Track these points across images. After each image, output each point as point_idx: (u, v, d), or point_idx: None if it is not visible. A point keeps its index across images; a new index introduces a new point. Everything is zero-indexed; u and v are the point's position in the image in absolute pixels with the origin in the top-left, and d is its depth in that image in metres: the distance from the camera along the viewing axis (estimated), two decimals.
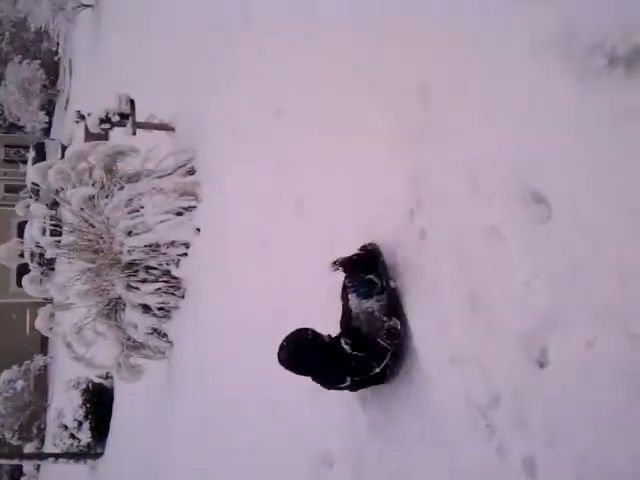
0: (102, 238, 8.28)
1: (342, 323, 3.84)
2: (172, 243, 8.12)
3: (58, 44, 29.38)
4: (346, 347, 3.52)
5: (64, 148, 20.97)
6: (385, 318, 3.58)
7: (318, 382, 3.71)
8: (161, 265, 8.19)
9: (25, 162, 25.52)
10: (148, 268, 8.20)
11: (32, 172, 8.79)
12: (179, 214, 8.17)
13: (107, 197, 8.26)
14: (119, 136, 10.04)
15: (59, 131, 28.12)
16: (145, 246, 8.02)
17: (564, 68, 2.62)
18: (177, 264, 8.16)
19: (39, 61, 29.59)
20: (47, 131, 31.15)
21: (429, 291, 3.56)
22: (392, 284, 3.71)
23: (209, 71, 8.55)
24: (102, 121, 9.56)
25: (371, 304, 3.68)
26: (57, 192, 8.47)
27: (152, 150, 8.74)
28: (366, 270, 3.73)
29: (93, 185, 8.22)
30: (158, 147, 8.84)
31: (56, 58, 31.40)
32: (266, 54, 6.52)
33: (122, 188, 8.25)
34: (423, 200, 3.63)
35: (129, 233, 8.06)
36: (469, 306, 3.18)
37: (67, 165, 8.34)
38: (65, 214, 9.00)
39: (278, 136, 5.92)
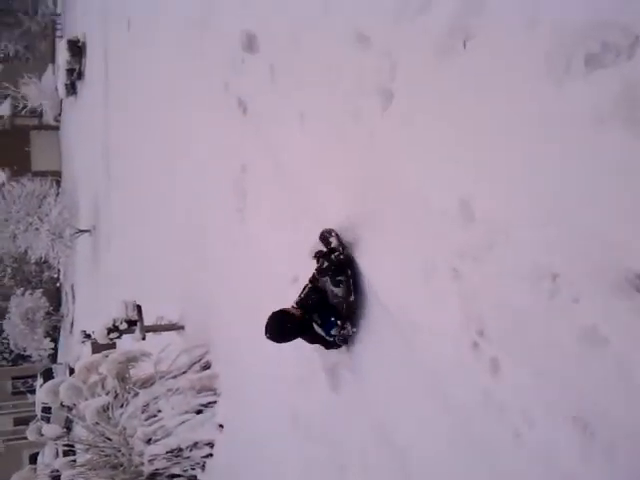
0: (120, 451, 7.76)
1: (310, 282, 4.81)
2: (195, 445, 7.60)
3: (59, 271, 30.13)
4: (317, 328, 4.61)
5: (72, 370, 20.67)
6: (341, 322, 4.53)
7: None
8: (186, 471, 7.60)
9: (33, 392, 25.04)
10: (172, 476, 7.61)
11: (42, 393, 8.45)
12: (199, 412, 7.74)
13: (122, 406, 7.87)
14: (128, 343, 9.84)
15: (65, 355, 27.95)
16: (167, 452, 7.49)
17: (631, 134, 2.44)
18: (203, 467, 7.58)
19: (41, 290, 30.14)
20: (54, 357, 31.00)
21: (519, 430, 3.04)
22: (352, 297, 4.49)
23: (210, 263, 8.57)
24: (110, 330, 9.43)
25: (337, 292, 4.55)
26: (69, 409, 8.08)
27: (164, 350, 8.50)
28: (337, 272, 4.51)
29: (106, 395, 7.86)
30: (170, 347, 8.61)
31: (58, 284, 32.08)
32: (269, 235, 6.56)
33: (137, 394, 7.90)
34: (486, 325, 3.21)
35: (148, 441, 7.57)
36: (580, 435, 2.68)
37: (78, 379, 8.05)
38: (79, 432, 8.53)
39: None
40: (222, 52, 7.88)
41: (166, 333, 9.72)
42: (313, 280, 4.82)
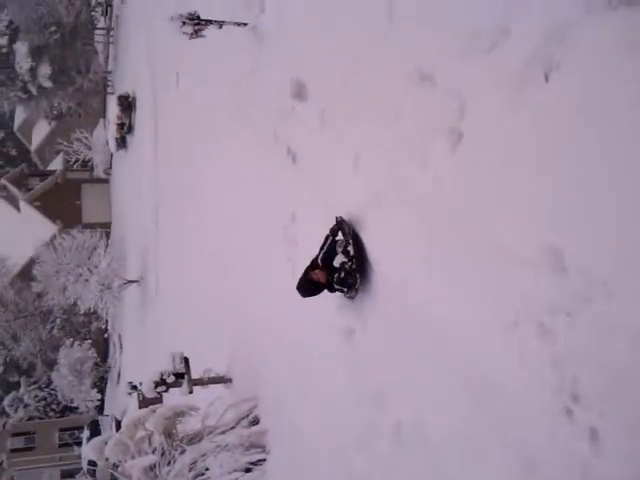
0: None
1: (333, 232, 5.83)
2: None
3: (107, 322, 30.34)
4: (337, 286, 5.75)
5: (118, 423, 20.53)
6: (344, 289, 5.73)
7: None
8: None
9: (80, 444, 24.95)
10: None
11: (88, 449, 8.30)
12: (248, 470, 7.42)
13: (169, 464, 7.60)
14: (175, 397, 9.63)
15: (112, 406, 27.91)
16: None
17: None
18: None
19: (89, 341, 30.32)
20: (100, 408, 30.99)
21: None
22: (357, 285, 5.62)
23: (259, 314, 8.37)
24: (157, 384, 9.25)
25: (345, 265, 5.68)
26: (115, 466, 7.86)
27: (212, 405, 8.26)
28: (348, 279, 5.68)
29: (153, 453, 7.62)
30: (217, 401, 8.37)
31: (105, 335, 32.29)
32: None
33: (184, 451, 7.64)
34: (582, 389, 2.81)
35: None
36: None
37: (125, 435, 7.84)
38: None
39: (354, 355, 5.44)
40: (271, 101, 7.84)
41: (213, 386, 9.50)
42: (333, 234, 5.80)
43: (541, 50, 3.09)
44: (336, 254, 5.72)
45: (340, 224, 5.73)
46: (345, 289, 5.71)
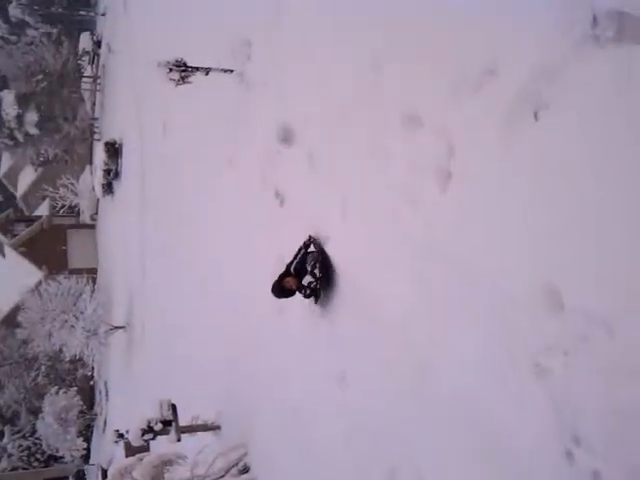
0: None
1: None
2: None
3: (93, 369, 29.89)
4: (305, 297, 6.47)
5: (104, 472, 20.08)
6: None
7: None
8: None
9: None
10: None
11: None
12: None
13: None
14: (163, 445, 9.45)
15: (98, 455, 27.31)
16: None
17: None
18: None
19: (75, 388, 29.79)
20: (86, 457, 30.28)
21: None
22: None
23: (247, 358, 8.29)
24: (144, 432, 9.07)
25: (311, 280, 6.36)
26: None
27: (200, 453, 8.12)
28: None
29: None
30: (206, 449, 8.23)
31: (91, 382, 31.79)
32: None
33: None
34: (583, 431, 2.73)
35: None
36: None
37: None
38: None
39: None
40: (258, 146, 7.91)
41: (202, 433, 9.34)
42: (306, 246, 6.41)
43: (530, 89, 3.15)
44: (307, 265, 6.34)
45: (313, 243, 6.41)
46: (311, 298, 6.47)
